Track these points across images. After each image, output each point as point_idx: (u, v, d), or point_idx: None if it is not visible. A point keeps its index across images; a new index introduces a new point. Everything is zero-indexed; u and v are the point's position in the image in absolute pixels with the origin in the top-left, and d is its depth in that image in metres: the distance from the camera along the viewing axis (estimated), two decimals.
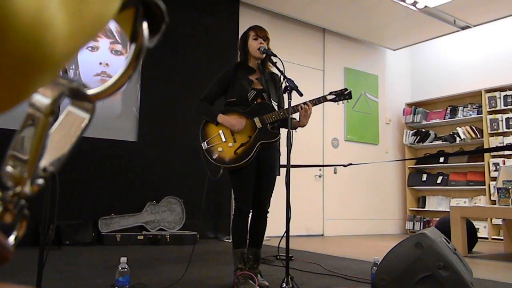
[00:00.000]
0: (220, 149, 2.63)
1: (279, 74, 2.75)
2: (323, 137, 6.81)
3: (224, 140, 2.65)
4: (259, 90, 2.73)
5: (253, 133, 2.65)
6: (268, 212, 2.75)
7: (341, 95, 2.84)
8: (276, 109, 2.75)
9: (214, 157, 2.63)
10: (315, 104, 2.73)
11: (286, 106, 2.73)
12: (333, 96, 2.82)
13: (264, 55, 2.74)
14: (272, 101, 2.74)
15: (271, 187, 2.75)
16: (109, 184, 4.87)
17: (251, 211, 2.71)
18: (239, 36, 2.91)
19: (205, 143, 2.66)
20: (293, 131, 2.70)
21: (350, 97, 2.86)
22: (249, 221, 2.74)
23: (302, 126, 2.76)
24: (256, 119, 2.67)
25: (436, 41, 7.29)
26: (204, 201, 2.90)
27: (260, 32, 2.76)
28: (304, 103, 2.68)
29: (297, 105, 2.67)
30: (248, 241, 2.73)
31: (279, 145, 2.82)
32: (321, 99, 2.77)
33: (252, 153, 2.61)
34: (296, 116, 2.72)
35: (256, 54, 2.74)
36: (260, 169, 2.70)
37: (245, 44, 2.77)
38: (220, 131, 2.66)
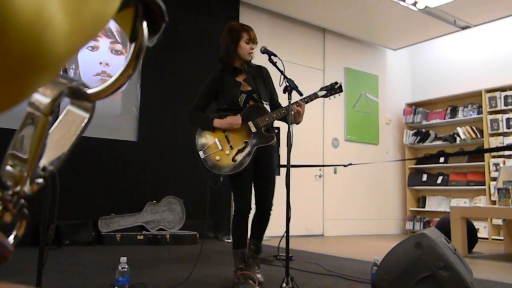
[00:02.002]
0: (217, 157, 2.63)
1: (264, 66, 2.78)
2: (323, 137, 6.81)
3: (220, 148, 2.65)
4: (249, 92, 2.73)
5: (249, 138, 2.66)
6: (271, 209, 2.75)
7: (332, 90, 2.82)
8: (269, 108, 2.75)
9: (213, 166, 2.63)
10: (307, 102, 2.72)
11: (279, 98, 2.81)
12: (324, 92, 2.80)
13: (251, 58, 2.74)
14: (264, 102, 2.73)
15: (272, 186, 2.74)
16: (109, 183, 4.87)
17: (250, 211, 2.71)
18: (227, 30, 2.83)
19: (202, 152, 2.66)
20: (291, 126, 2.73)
21: (341, 90, 2.84)
22: (252, 219, 2.75)
23: (297, 123, 2.74)
24: (250, 124, 2.66)
25: (436, 41, 7.28)
26: (207, 207, 2.88)
27: (253, 37, 2.74)
28: (297, 103, 2.66)
29: (288, 105, 2.64)
30: (250, 233, 2.73)
31: (278, 144, 2.83)
32: (313, 96, 2.75)
33: (250, 158, 2.61)
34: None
35: (246, 57, 2.73)
36: (259, 169, 2.70)
37: (236, 44, 2.72)
38: (216, 139, 2.66)
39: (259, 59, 2.90)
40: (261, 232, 2.76)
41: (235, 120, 2.64)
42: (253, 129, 2.66)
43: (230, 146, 2.65)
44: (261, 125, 2.66)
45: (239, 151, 2.63)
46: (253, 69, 2.81)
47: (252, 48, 2.72)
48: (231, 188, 2.73)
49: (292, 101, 2.58)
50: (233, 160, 2.62)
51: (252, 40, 2.72)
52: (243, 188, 2.65)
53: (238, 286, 2.54)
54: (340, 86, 2.84)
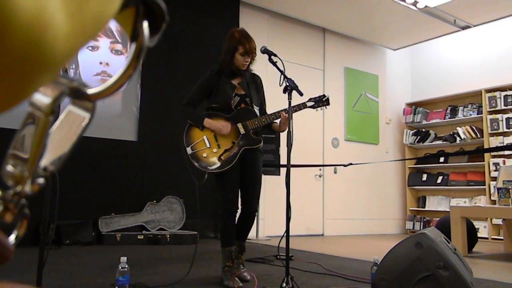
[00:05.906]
0: (205, 154, 2.68)
1: (259, 75, 2.88)
2: (323, 137, 6.81)
3: (208, 145, 2.69)
4: (242, 95, 2.80)
5: (237, 139, 2.71)
6: (257, 211, 2.83)
7: (320, 102, 2.87)
8: (258, 113, 2.79)
9: (199, 162, 2.68)
10: (295, 111, 2.75)
11: (266, 107, 2.88)
12: (312, 103, 2.85)
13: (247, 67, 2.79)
14: (254, 106, 2.79)
15: (258, 187, 2.80)
16: (109, 183, 4.87)
17: (238, 210, 2.78)
18: (228, 37, 2.82)
19: (190, 148, 2.69)
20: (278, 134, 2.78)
21: (328, 103, 2.88)
22: (237, 220, 2.82)
23: (282, 131, 2.79)
24: (240, 125, 2.73)
25: (436, 41, 7.28)
26: (197, 203, 2.94)
27: (249, 49, 2.72)
28: (285, 110, 2.70)
29: (278, 111, 2.71)
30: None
31: (278, 144, 2.87)
32: (301, 106, 2.80)
33: (236, 158, 2.67)
34: (277, 120, 2.79)
35: (240, 67, 2.77)
36: (245, 171, 2.75)
37: (233, 54, 2.74)
38: (204, 136, 2.71)
39: (259, 60, 2.94)
40: (245, 233, 2.85)
41: (225, 128, 2.68)
42: (242, 131, 2.72)
43: (218, 145, 2.69)
44: (250, 127, 2.73)
45: (226, 150, 2.69)
46: (248, 75, 2.87)
47: (247, 61, 2.75)
48: (217, 187, 2.76)
49: (292, 102, 2.60)
50: (220, 159, 2.67)
51: (248, 53, 2.72)
52: (230, 188, 2.70)
53: (224, 281, 2.65)
54: (328, 99, 2.89)
